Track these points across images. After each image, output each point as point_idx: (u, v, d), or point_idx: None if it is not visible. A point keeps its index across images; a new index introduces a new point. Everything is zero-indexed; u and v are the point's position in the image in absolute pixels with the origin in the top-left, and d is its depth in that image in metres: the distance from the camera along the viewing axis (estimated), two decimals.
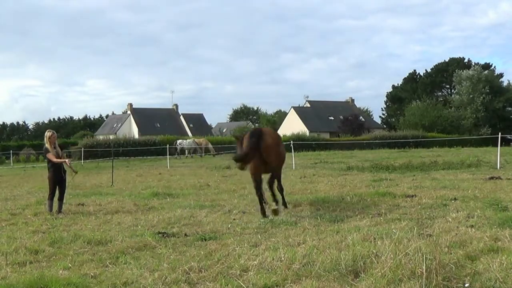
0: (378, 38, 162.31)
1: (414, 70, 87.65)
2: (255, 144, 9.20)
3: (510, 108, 75.65)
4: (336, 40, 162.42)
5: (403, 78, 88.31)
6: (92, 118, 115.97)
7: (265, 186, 9.91)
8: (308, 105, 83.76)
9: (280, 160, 10.10)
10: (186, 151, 45.21)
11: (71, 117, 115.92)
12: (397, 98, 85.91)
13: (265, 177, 9.91)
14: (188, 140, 48.02)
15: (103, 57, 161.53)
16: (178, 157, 43.30)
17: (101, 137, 66.19)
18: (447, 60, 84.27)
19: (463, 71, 73.43)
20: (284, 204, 10.34)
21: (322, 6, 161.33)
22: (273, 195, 9.69)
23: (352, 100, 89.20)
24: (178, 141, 46.65)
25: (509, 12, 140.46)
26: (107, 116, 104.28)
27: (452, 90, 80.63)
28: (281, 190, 10.22)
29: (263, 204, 9.59)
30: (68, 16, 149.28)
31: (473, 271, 5.26)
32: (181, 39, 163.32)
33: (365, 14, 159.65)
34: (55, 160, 10.82)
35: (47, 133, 11.11)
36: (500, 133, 22.84)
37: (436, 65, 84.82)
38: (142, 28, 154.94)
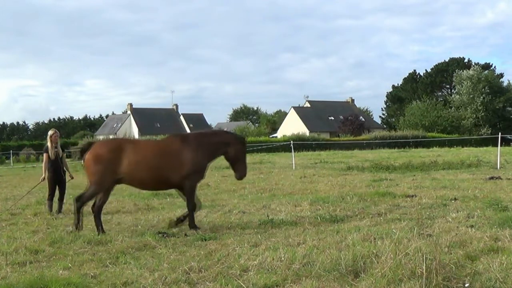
0: (376, 38, 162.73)
1: (414, 70, 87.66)
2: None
3: (510, 108, 75.68)
4: (335, 40, 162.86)
5: (403, 78, 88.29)
6: (92, 118, 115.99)
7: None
8: (308, 105, 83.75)
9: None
10: None
11: (71, 117, 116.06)
12: (397, 98, 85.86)
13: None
14: None
15: (102, 57, 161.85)
16: None
17: (101, 137, 66.26)
18: (447, 60, 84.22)
19: (463, 71, 73.45)
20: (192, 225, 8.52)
21: (320, 6, 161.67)
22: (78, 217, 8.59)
23: (352, 100, 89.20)
24: None
25: (508, 12, 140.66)
26: (107, 116, 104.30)
27: (452, 90, 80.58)
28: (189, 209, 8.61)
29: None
30: (66, 16, 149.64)
31: (473, 271, 5.26)
32: (179, 39, 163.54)
33: (363, 14, 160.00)
34: (44, 162, 11.08)
35: (50, 132, 11.19)
36: (500, 133, 22.86)
37: (436, 65, 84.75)
38: (140, 28, 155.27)
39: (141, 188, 9.23)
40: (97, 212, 8.50)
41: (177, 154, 8.45)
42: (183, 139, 8.76)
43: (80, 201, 8.44)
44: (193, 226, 8.43)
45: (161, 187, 9.06)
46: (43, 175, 11.08)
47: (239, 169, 8.87)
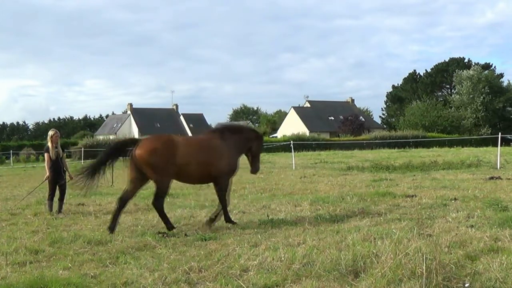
0: (376, 38, 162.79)
1: (414, 70, 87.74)
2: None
3: (510, 108, 75.72)
4: (335, 40, 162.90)
5: (403, 78, 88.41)
6: (92, 118, 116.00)
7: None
8: (308, 105, 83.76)
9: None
10: None
11: (71, 117, 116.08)
12: (397, 98, 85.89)
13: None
14: None
15: (102, 57, 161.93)
16: None
17: (101, 137, 66.25)
18: (447, 60, 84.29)
19: (463, 71, 73.47)
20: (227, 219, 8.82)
21: (320, 6, 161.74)
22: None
23: (352, 100, 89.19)
24: None
25: (507, 12, 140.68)
26: (107, 116, 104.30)
27: (452, 90, 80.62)
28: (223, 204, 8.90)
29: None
30: (66, 16, 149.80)
31: (473, 271, 5.26)
32: (179, 39, 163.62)
33: (363, 14, 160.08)
34: (46, 162, 10.97)
35: (50, 132, 11.17)
36: (500, 133, 22.85)
37: (436, 65, 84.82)
38: (140, 28, 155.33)
39: (183, 182, 9.36)
40: (121, 206, 8.43)
41: (218, 150, 8.72)
42: (221, 136, 8.93)
43: (158, 201, 8.43)
44: (229, 219, 8.76)
45: (202, 181, 9.24)
46: (47, 174, 11.04)
47: (256, 164, 9.31)
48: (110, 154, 8.51)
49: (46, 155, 11.03)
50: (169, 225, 8.41)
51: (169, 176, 8.42)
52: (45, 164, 11.12)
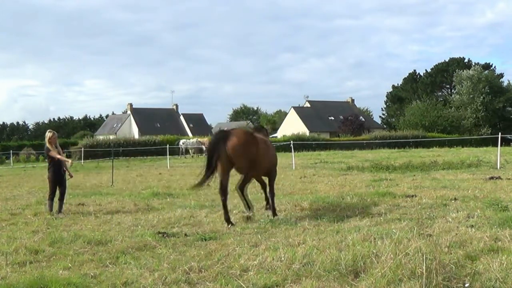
0: (376, 38, 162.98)
1: (414, 70, 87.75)
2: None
3: (510, 108, 75.74)
4: (335, 40, 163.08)
5: (403, 78, 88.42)
6: (92, 118, 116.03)
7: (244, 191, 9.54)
8: (308, 105, 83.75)
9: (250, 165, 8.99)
10: (190, 150, 45.53)
11: (71, 117, 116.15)
12: (397, 98, 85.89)
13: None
14: (192, 140, 48.37)
15: (102, 57, 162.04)
16: (182, 156, 43.70)
17: (101, 137, 66.23)
18: (447, 60, 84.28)
19: (463, 71, 73.47)
20: (273, 211, 9.48)
21: (320, 6, 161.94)
22: (245, 200, 9.28)
23: (352, 100, 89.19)
24: (182, 141, 46.88)
25: (507, 12, 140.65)
26: (107, 116, 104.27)
27: (452, 90, 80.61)
28: (271, 195, 9.66)
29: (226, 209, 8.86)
30: (66, 16, 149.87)
31: (473, 271, 5.26)
32: (179, 39, 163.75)
33: (363, 14, 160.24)
34: (57, 156, 10.87)
35: (48, 134, 11.14)
36: (500, 133, 22.84)
37: (436, 65, 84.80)
38: (140, 28, 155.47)
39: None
40: (242, 190, 9.17)
41: (272, 146, 9.94)
42: (264, 135, 9.95)
43: (241, 186, 9.09)
44: (274, 212, 9.43)
45: (264, 174, 9.86)
46: (69, 161, 11.12)
47: None
48: (215, 150, 8.77)
49: (51, 152, 10.96)
50: (249, 207, 9.15)
51: (255, 167, 9.06)
52: (57, 156, 10.93)
